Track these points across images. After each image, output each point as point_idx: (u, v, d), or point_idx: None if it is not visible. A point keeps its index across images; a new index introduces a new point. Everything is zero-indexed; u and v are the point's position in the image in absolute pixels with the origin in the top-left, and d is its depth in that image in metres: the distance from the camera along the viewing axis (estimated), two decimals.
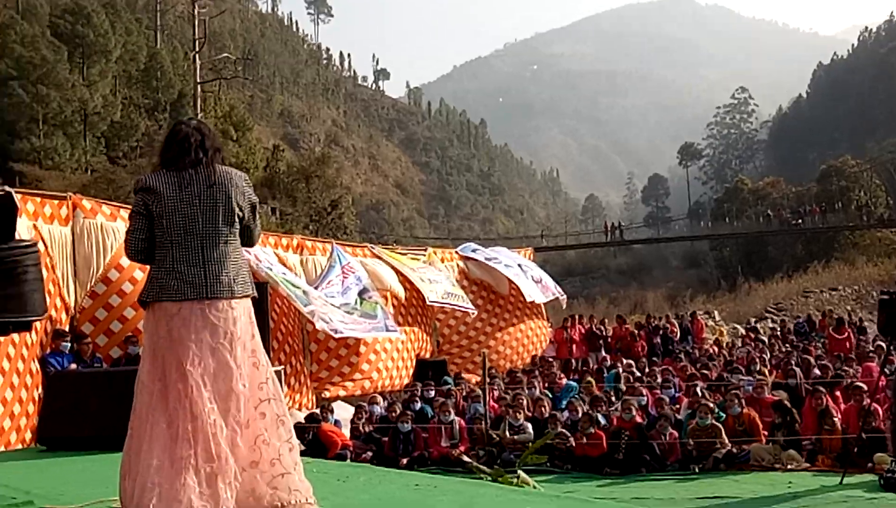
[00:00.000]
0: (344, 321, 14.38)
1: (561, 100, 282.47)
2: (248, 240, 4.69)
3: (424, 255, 19.73)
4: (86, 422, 7.60)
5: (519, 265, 20.75)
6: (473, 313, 18.80)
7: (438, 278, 18.38)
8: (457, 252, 20.87)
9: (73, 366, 10.46)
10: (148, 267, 4.54)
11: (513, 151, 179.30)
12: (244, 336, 4.46)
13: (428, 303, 17.61)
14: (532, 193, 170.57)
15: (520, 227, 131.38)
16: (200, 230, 4.45)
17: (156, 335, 4.42)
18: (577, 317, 21.97)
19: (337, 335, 14.27)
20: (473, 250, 20.99)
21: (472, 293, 19.44)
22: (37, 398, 9.79)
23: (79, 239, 11.56)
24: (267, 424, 4.45)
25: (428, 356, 18.12)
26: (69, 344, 10.72)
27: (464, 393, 14.16)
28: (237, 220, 4.55)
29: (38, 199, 11.23)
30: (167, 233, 4.43)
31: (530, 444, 10.64)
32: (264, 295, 11.17)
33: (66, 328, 10.97)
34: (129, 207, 13.24)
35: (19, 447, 9.38)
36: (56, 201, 11.46)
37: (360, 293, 15.65)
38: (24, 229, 9.78)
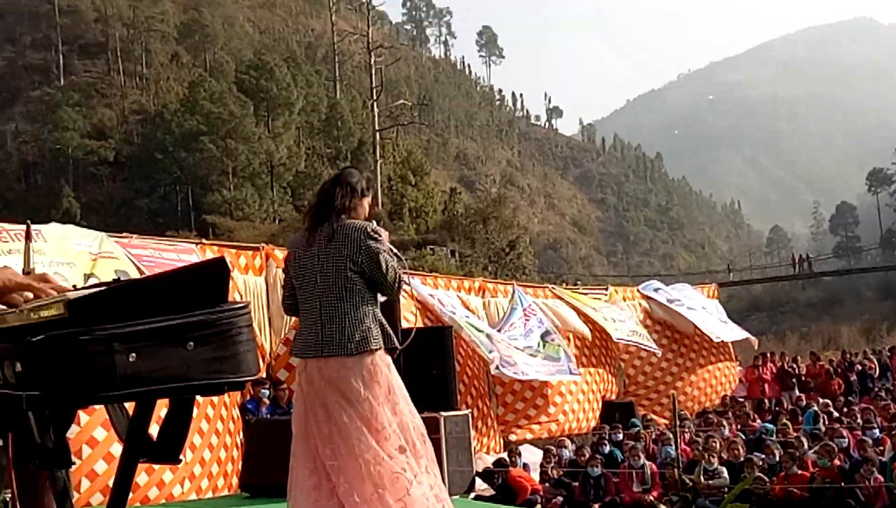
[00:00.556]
0: (528, 364, 14.38)
1: (739, 129, 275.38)
2: (382, 291, 4.70)
3: (605, 294, 19.52)
4: (285, 469, 7.82)
5: (703, 307, 20.25)
6: (658, 354, 18.46)
7: (622, 317, 18.16)
8: (639, 290, 20.57)
9: (264, 408, 10.81)
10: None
11: (691, 184, 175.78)
12: (355, 395, 4.45)
13: (614, 340, 17.41)
14: (713, 226, 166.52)
15: (701, 261, 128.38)
16: (318, 289, 4.55)
17: (297, 387, 4.67)
18: (768, 355, 21.29)
19: (522, 378, 14.28)
20: (656, 290, 20.60)
21: (656, 333, 19.09)
22: (239, 445, 10.16)
23: (272, 288, 11.98)
24: (381, 481, 4.38)
25: (614, 397, 17.86)
26: (267, 391, 11.10)
27: (653, 436, 13.86)
28: (354, 275, 4.57)
29: (234, 250, 11.74)
30: (298, 291, 4.65)
31: (727, 490, 10.31)
32: (449, 339, 11.33)
33: (264, 376, 11.36)
34: None
35: (225, 492, 9.73)
36: (250, 252, 11.93)
37: (543, 336, 15.61)
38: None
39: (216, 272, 2.11)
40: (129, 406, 2.29)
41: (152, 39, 76.02)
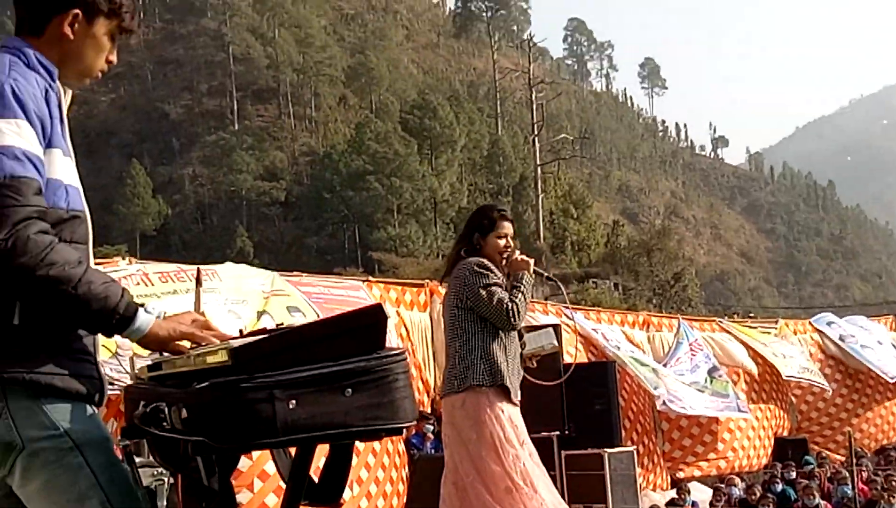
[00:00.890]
0: (696, 399, 14.04)
1: None
2: (497, 325, 4.64)
3: (776, 328, 18.86)
4: None
5: (879, 343, 19.26)
6: (830, 391, 17.70)
7: (792, 352, 17.51)
8: (811, 323, 19.79)
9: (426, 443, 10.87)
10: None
11: (866, 212, 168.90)
12: (464, 434, 4.49)
13: (784, 377, 16.80)
14: (890, 255, 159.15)
15: (878, 292, 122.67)
16: (443, 330, 4.84)
17: None
18: None
19: (689, 413, 13.94)
20: (829, 324, 19.72)
21: (829, 367, 18.30)
22: (405, 479, 10.25)
23: (437, 324, 12.09)
24: None
25: (786, 433, 17.21)
26: (432, 426, 11.17)
27: (828, 474, 13.33)
28: (460, 312, 4.64)
29: (399, 287, 11.93)
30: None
31: None
32: (612, 374, 11.17)
33: (428, 411, 11.44)
34: None
35: None
36: (415, 289, 12.09)
37: (710, 371, 15.20)
38: (392, 315, 10.38)
39: (373, 319, 2.15)
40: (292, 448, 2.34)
41: (321, 83, 78.55)
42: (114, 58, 2.37)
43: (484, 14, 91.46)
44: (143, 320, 2.17)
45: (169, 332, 2.22)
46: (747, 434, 15.99)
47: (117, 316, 2.11)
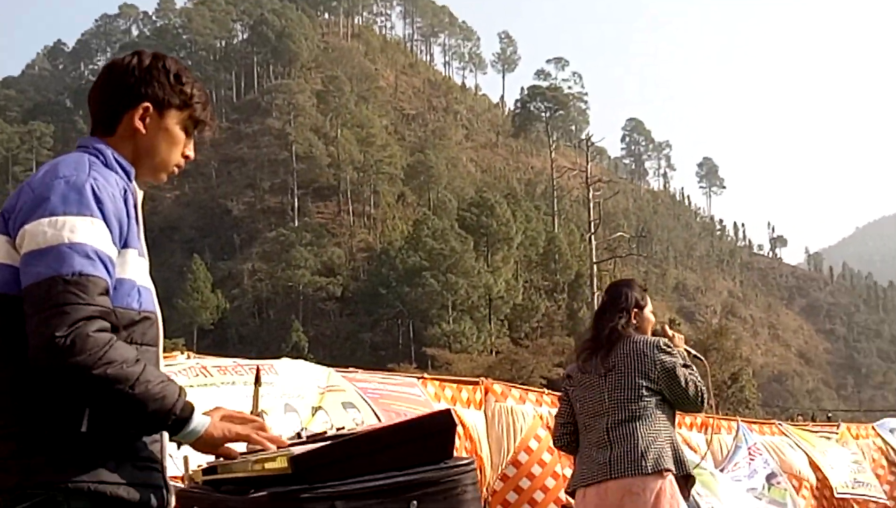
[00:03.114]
0: (750, 506, 13.61)
1: None
2: (684, 407, 4.52)
3: (837, 433, 18.29)
4: None
5: None
6: (889, 504, 17.06)
7: (843, 462, 16.92)
8: (874, 427, 19.18)
9: None
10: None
11: None
12: None
13: (836, 495, 16.22)
14: None
15: None
16: (606, 410, 4.34)
17: None
18: None
19: None
20: (892, 430, 19.10)
21: (893, 474, 17.73)
22: None
23: (490, 423, 11.89)
24: None
25: None
26: None
27: None
28: (648, 394, 4.36)
29: (455, 385, 11.80)
30: (580, 417, 4.44)
31: None
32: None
33: None
34: (536, 389, 13.36)
35: None
36: (470, 387, 11.95)
37: (769, 478, 14.72)
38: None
39: (442, 426, 2.05)
40: None
41: (380, 181, 79.67)
42: (190, 152, 2.35)
43: (543, 114, 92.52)
44: (199, 421, 2.12)
45: (224, 433, 2.17)
46: None
47: (174, 417, 2.07)
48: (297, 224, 75.28)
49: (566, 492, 4.56)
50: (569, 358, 54.43)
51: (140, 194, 2.25)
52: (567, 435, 4.53)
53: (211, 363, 8.82)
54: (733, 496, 13.65)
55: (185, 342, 43.10)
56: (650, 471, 4.22)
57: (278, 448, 2.16)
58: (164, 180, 2.39)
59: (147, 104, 2.23)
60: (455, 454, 2.07)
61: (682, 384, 4.39)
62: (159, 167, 2.30)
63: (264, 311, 69.20)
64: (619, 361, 4.38)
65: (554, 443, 4.65)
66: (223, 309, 65.49)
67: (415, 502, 1.92)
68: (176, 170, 2.36)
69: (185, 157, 2.34)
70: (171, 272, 64.25)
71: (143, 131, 2.23)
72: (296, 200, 79.32)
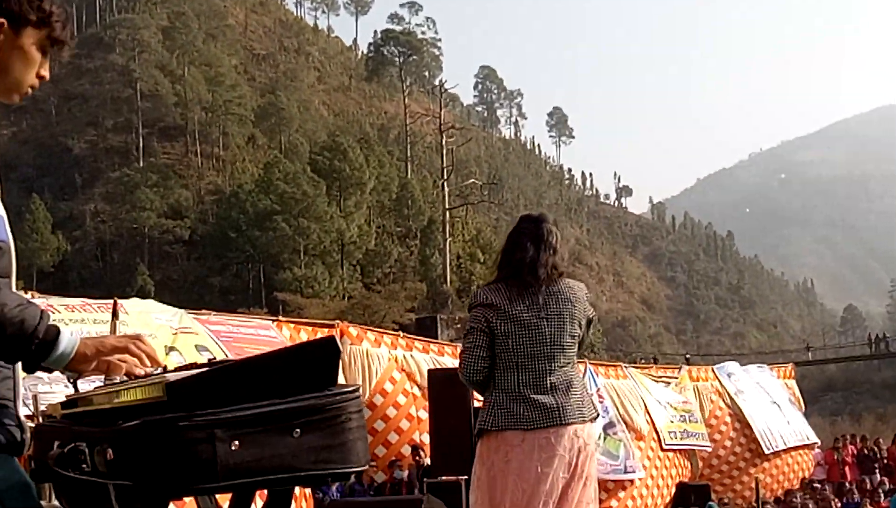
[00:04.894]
0: None
1: (812, 208, 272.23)
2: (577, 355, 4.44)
3: (677, 377, 18.96)
4: None
5: (775, 403, 19.49)
6: (709, 450, 17.84)
7: (675, 411, 17.52)
8: (713, 370, 19.96)
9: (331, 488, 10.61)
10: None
11: (763, 263, 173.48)
12: (586, 468, 4.14)
13: (664, 447, 16.81)
14: (785, 305, 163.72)
15: (773, 341, 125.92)
16: (548, 351, 4.15)
17: (492, 467, 4.15)
18: (846, 437, 20.65)
19: None
20: (729, 375, 19.88)
21: (730, 416, 18.54)
22: None
23: (347, 366, 11.90)
24: None
25: (688, 479, 17.34)
26: None
27: None
28: (573, 340, 4.26)
29: (310, 327, 11.70)
30: (513, 354, 4.15)
31: None
32: None
33: None
34: (392, 333, 13.39)
35: None
36: (326, 329, 11.89)
37: (605, 428, 14.92)
38: None
39: (326, 353, 1.96)
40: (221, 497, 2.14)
41: (230, 122, 77.82)
42: (45, 73, 2.17)
43: (396, 59, 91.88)
44: (68, 341, 1.94)
45: (97, 348, 1.98)
46: (646, 483, 16.02)
47: (36, 341, 1.88)
48: (142, 165, 72.93)
49: (476, 434, 4.23)
50: (421, 303, 54.88)
51: None
52: (486, 369, 4.19)
53: (58, 301, 8.52)
54: None
55: (25, 286, 41.45)
56: (588, 418, 4.20)
57: (153, 364, 2.02)
58: (17, 102, 2.18)
59: (1, 20, 2.03)
60: None
61: (589, 333, 4.40)
62: (12, 87, 2.11)
63: (108, 254, 67.11)
64: (559, 303, 4.20)
65: (466, 376, 4.22)
66: (64, 251, 63.12)
67: (298, 430, 1.83)
68: (30, 91, 2.16)
69: (41, 77, 2.15)
70: (8, 213, 61.15)
71: None
72: (141, 139, 76.78)
